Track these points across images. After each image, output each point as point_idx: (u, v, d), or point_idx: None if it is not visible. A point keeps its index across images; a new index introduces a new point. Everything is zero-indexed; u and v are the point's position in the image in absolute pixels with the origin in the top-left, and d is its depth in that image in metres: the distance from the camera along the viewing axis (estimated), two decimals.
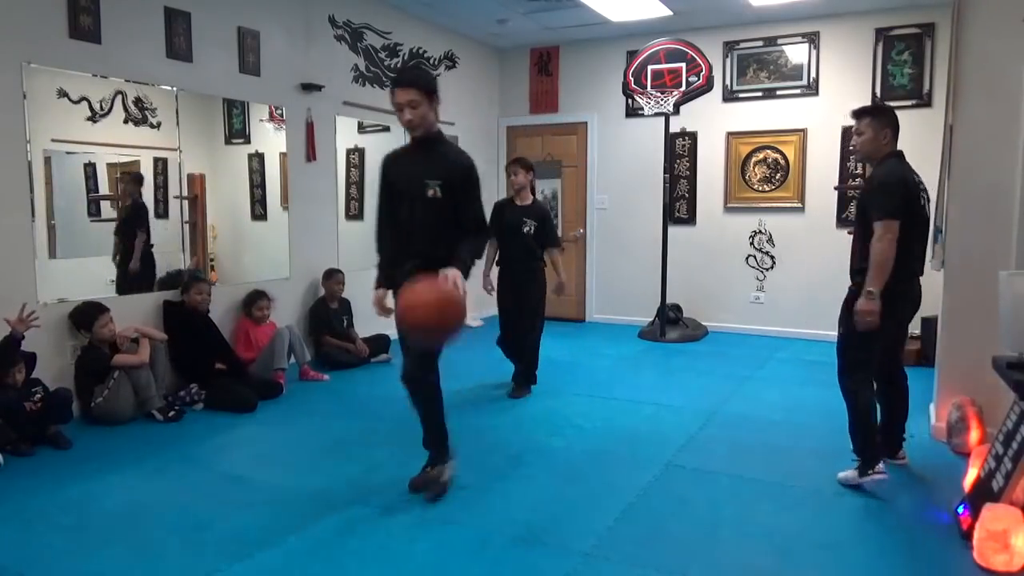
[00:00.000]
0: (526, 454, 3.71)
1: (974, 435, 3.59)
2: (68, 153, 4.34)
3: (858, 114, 3.30)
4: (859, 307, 3.06)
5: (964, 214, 3.77)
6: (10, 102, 3.92)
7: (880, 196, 3.09)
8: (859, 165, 6.37)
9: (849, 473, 3.25)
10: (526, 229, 4.68)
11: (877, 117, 3.24)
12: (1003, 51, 3.60)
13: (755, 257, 7.00)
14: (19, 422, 3.62)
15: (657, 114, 6.61)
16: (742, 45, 6.86)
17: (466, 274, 2.85)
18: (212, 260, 5.17)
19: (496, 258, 4.88)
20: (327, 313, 5.64)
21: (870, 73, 6.39)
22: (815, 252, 6.57)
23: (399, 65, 6.63)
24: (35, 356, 3.84)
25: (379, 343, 5.82)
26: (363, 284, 6.15)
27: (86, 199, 4.48)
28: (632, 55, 6.88)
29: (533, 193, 4.89)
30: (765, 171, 6.87)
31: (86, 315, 4.13)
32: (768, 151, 6.83)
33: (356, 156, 6.33)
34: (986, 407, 3.62)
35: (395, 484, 3.28)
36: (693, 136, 7.14)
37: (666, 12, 6.40)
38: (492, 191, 8.13)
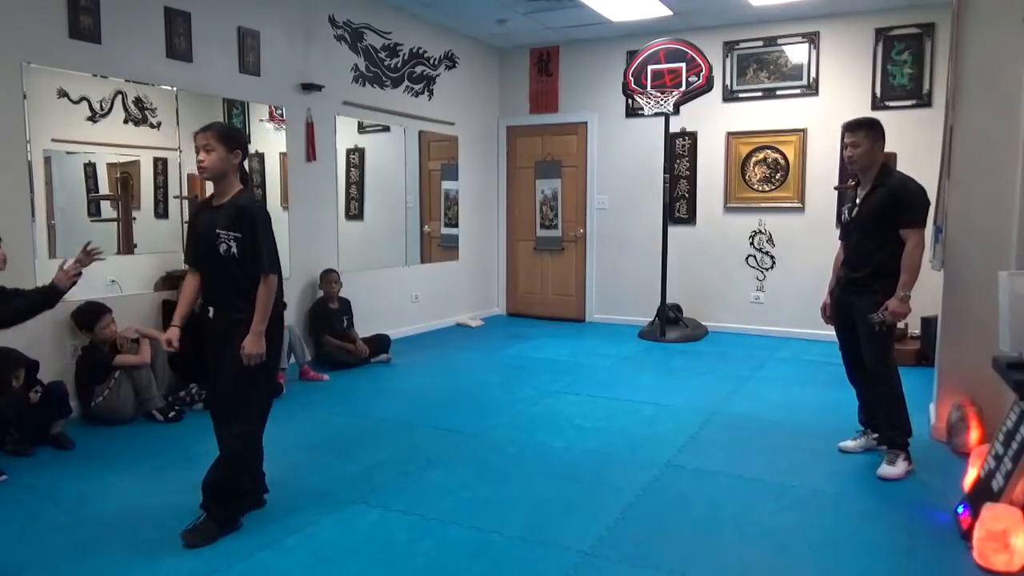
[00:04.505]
0: (526, 454, 3.71)
1: (974, 435, 3.59)
2: (68, 153, 4.34)
3: (853, 127, 3.44)
4: (896, 309, 3.26)
5: (964, 214, 3.77)
6: (10, 102, 3.92)
7: (915, 206, 3.31)
8: None
9: (898, 467, 3.34)
10: (222, 247, 2.74)
11: (872, 129, 3.41)
12: (1003, 51, 3.60)
13: (755, 257, 7.00)
14: (22, 423, 3.62)
15: (657, 114, 6.61)
16: (742, 45, 6.86)
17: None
18: None
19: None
20: (327, 313, 5.64)
21: (870, 73, 6.39)
22: (815, 252, 6.55)
23: (399, 65, 6.64)
24: (38, 364, 3.83)
25: (379, 343, 5.82)
26: (363, 284, 6.20)
27: (86, 199, 4.48)
28: (632, 55, 6.88)
29: (247, 182, 2.93)
30: (765, 171, 6.87)
31: (88, 315, 4.13)
32: (768, 151, 6.83)
33: (356, 156, 6.33)
34: (986, 407, 3.62)
35: (395, 484, 3.29)
36: (693, 136, 7.14)
37: (666, 12, 6.40)
38: (492, 193, 8.14)
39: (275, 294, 2.79)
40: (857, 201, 3.48)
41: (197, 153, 2.77)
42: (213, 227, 2.76)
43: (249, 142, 5.38)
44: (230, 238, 2.74)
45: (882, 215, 3.33)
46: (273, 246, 2.80)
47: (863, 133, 3.38)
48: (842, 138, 3.69)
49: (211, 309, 2.86)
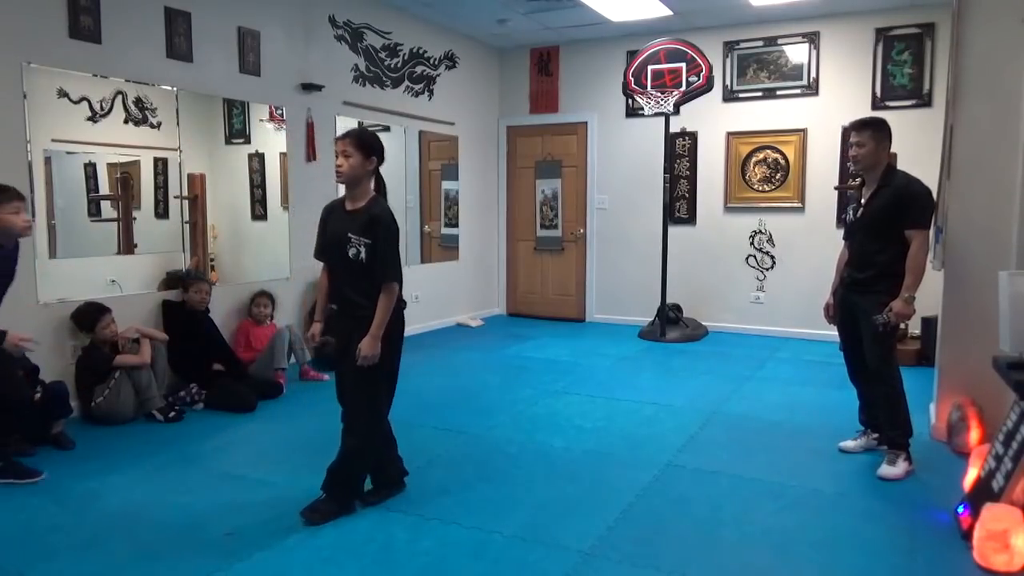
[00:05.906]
0: (526, 454, 3.71)
1: (974, 435, 3.59)
2: (68, 153, 4.34)
3: (859, 126, 3.42)
4: (900, 310, 3.26)
5: (964, 214, 3.77)
6: (10, 102, 3.92)
7: (920, 208, 3.31)
8: None
9: (899, 468, 3.34)
10: (352, 251, 2.88)
11: (879, 129, 3.39)
12: (1003, 51, 3.60)
13: (755, 257, 7.00)
14: (23, 422, 3.61)
15: (657, 114, 6.61)
16: (742, 45, 6.86)
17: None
18: (212, 260, 5.17)
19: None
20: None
21: (870, 73, 6.39)
22: (815, 252, 6.55)
23: (399, 65, 6.64)
24: (37, 369, 3.82)
25: None
26: None
27: (86, 199, 4.48)
28: (632, 55, 6.88)
29: (381, 189, 3.04)
30: (765, 171, 6.87)
31: (88, 316, 4.13)
32: (768, 151, 6.83)
33: None
34: (986, 407, 3.62)
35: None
36: (693, 136, 7.14)
37: (666, 12, 6.40)
38: (492, 193, 8.14)
39: (396, 300, 2.93)
40: (862, 201, 3.47)
41: (336, 158, 2.91)
42: (346, 231, 2.90)
43: (249, 142, 5.40)
44: (361, 243, 2.87)
45: (887, 216, 3.32)
46: (398, 256, 2.95)
47: (868, 133, 3.37)
48: (846, 138, 3.69)
49: (334, 305, 3.07)
